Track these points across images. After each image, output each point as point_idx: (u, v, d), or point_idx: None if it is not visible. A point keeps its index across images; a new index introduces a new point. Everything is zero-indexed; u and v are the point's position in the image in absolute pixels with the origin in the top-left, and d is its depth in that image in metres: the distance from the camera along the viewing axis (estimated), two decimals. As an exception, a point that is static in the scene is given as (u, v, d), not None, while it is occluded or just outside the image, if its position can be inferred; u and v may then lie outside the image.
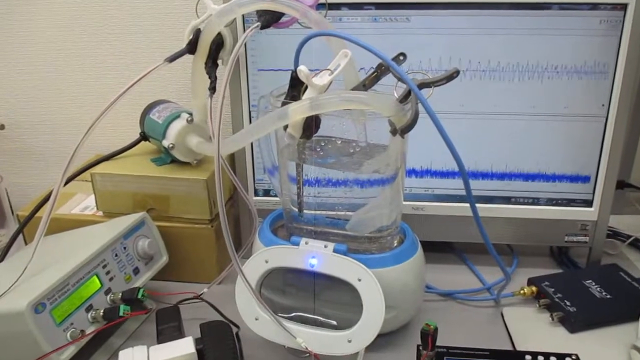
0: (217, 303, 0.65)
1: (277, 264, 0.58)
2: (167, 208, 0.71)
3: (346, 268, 0.55)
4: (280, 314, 0.57)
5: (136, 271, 0.64)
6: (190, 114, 0.69)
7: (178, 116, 0.70)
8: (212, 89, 0.61)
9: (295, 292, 0.61)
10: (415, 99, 0.51)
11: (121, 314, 0.54)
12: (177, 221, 0.71)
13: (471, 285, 0.74)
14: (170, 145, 0.68)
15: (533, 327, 0.64)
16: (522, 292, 0.68)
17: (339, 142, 0.58)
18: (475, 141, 0.72)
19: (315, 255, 0.56)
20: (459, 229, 0.75)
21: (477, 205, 0.74)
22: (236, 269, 0.54)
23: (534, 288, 0.68)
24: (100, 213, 0.73)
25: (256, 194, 0.78)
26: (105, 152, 0.77)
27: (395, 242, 0.62)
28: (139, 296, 0.57)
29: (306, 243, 0.57)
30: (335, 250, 0.56)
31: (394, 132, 0.53)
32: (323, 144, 0.57)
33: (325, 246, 0.56)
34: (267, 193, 0.78)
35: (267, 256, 0.58)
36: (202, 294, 0.68)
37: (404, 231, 0.63)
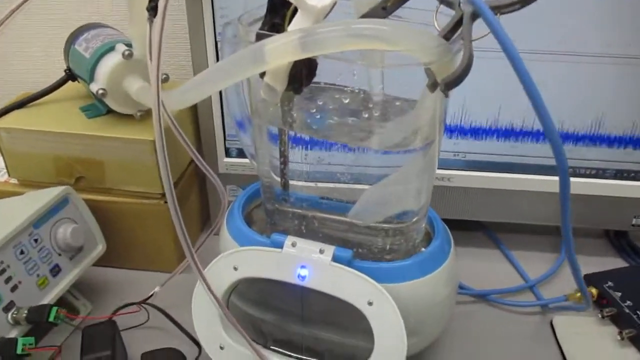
0: (178, 302, 0.49)
1: (250, 273, 0.41)
2: (102, 177, 0.53)
3: (351, 285, 0.39)
4: (255, 341, 0.42)
5: (55, 270, 0.47)
6: (130, 46, 0.50)
7: (112, 48, 0.50)
8: (153, 9, 0.42)
9: (278, 307, 0.45)
10: (469, 32, 0.32)
11: (19, 351, 0.37)
12: (118, 195, 0.54)
13: (506, 277, 0.58)
14: (101, 91, 0.49)
15: (595, 346, 0.49)
16: (578, 295, 0.52)
17: (346, 98, 0.40)
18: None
19: (305, 265, 0.40)
20: (495, 206, 0.59)
21: (521, 176, 0.57)
22: (195, 272, 0.38)
23: (593, 290, 0.53)
24: (15, 181, 0.55)
25: (228, 154, 0.60)
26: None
27: (419, 238, 0.45)
28: (50, 319, 0.40)
29: (293, 245, 0.40)
30: (335, 258, 0.39)
31: (432, 86, 0.35)
32: (320, 102, 0.39)
33: (321, 251, 0.40)
34: (243, 153, 0.60)
35: (236, 261, 0.41)
36: (150, 296, 0.51)
37: (430, 220, 0.46)
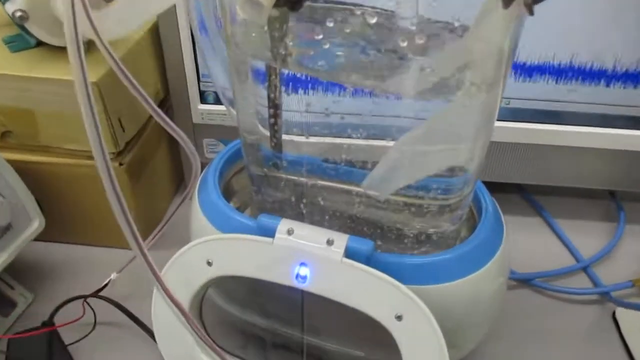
0: (142, 292, 0.38)
1: (229, 271, 0.30)
2: (35, 132, 0.41)
3: (371, 292, 0.28)
4: (236, 354, 0.31)
5: (-28, 258, 0.35)
6: (59, -51, 0.36)
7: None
8: None
9: (271, 311, 0.34)
10: None
11: None
12: (56, 154, 0.42)
13: (551, 253, 0.47)
14: (19, 14, 0.36)
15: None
16: (646, 280, 0.42)
17: (364, 22, 0.27)
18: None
19: (306, 262, 0.28)
20: (539, 166, 0.47)
21: (576, 128, 0.45)
22: (148, 272, 0.27)
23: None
24: None
25: (204, 100, 0.47)
26: None
27: (461, 221, 0.33)
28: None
29: (289, 232, 0.29)
30: (349, 253, 0.28)
31: (508, 1, 0.22)
32: (327, 26, 0.26)
33: (330, 241, 0.28)
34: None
35: (209, 253, 0.30)
36: (104, 286, 0.40)
37: (475, 194, 0.34)
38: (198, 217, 0.34)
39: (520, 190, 0.54)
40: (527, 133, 0.45)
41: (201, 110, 0.47)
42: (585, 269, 0.45)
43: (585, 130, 0.45)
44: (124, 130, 0.41)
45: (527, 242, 0.47)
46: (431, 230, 0.30)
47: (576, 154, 0.46)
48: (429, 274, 0.29)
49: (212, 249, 0.30)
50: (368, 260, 0.28)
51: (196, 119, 0.48)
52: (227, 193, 0.36)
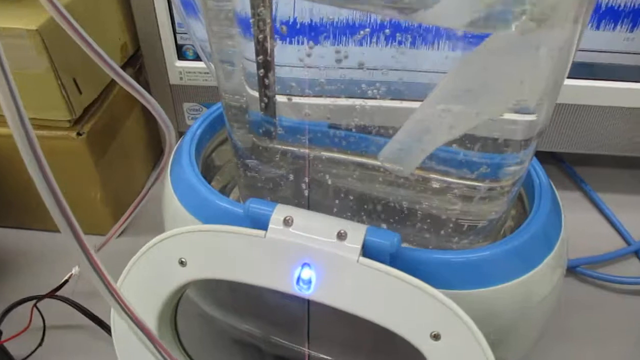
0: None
1: (208, 273, 0.23)
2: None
3: (400, 304, 0.20)
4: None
5: None
6: None
7: None
8: None
9: (266, 312, 0.27)
10: None
11: None
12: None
13: (594, 233, 0.41)
14: None
15: None
16: None
17: None
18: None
19: (311, 262, 0.21)
20: (581, 132, 0.40)
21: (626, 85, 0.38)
22: (100, 280, 0.20)
23: None
24: None
25: (182, 56, 0.40)
26: None
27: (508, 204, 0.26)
28: None
29: (287, 222, 0.21)
30: (367, 250, 0.21)
31: None
32: None
33: (341, 234, 0.21)
34: (203, 55, 0.39)
35: (181, 251, 0.23)
36: (63, 284, 0.33)
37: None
38: (171, 201, 0.26)
39: (555, 159, 0.46)
40: (570, 91, 0.38)
41: (179, 68, 0.40)
42: (637, 253, 0.39)
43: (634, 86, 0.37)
44: (80, 93, 0.33)
45: (568, 222, 0.40)
46: (475, 218, 0.23)
47: (623, 116, 0.39)
48: (476, 274, 0.22)
49: (184, 245, 0.23)
50: (393, 259, 0.21)
51: (174, 79, 0.40)
52: (208, 170, 0.29)
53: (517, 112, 0.21)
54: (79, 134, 0.34)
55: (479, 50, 0.20)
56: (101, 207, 0.38)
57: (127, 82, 0.25)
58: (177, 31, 0.38)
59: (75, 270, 0.34)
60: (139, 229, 0.39)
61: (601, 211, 0.42)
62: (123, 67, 0.40)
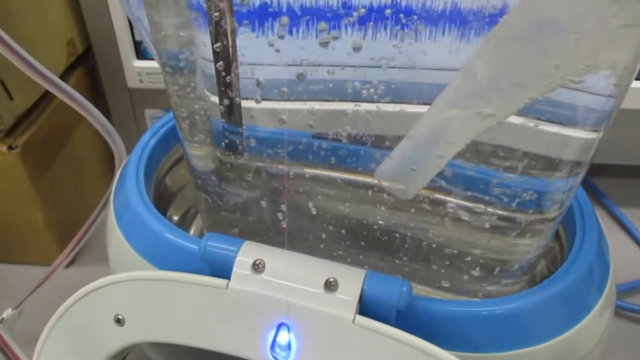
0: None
1: (151, 335, 0.17)
2: None
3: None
4: None
5: None
6: None
7: None
8: None
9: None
10: None
11: None
12: None
13: (622, 255, 0.35)
14: None
15: None
16: None
17: None
18: None
19: (289, 322, 0.16)
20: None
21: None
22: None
23: None
24: None
25: (142, 55, 0.34)
26: None
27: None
28: None
29: (256, 267, 0.16)
30: (366, 306, 0.15)
31: None
32: None
33: (329, 284, 0.15)
34: (166, 53, 0.33)
35: (117, 305, 0.17)
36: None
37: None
38: (114, 235, 0.21)
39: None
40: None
41: (138, 69, 0.34)
42: (673, 278, 0.34)
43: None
44: (11, 98, 0.28)
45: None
46: (510, 257, 0.18)
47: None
48: (512, 331, 0.17)
49: (121, 297, 0.17)
50: (401, 316, 0.16)
51: (132, 82, 0.35)
52: (162, 195, 0.23)
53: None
54: (10, 147, 0.28)
55: (499, 35, 0.15)
56: (43, 232, 0.32)
57: (57, 86, 0.20)
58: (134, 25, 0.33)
59: (7, 313, 0.28)
60: (90, 258, 0.33)
61: (627, 230, 0.37)
62: (72, 67, 0.34)
